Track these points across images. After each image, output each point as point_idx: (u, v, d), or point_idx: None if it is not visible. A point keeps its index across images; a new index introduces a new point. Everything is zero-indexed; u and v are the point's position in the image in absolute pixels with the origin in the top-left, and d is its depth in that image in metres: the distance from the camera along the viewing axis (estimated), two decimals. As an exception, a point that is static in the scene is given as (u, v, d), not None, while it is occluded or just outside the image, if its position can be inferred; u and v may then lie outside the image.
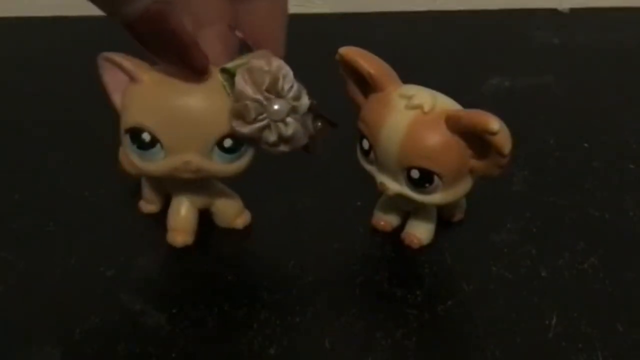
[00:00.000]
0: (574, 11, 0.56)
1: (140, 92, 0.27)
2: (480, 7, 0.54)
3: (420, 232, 0.31)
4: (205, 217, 0.31)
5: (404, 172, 0.27)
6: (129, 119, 0.27)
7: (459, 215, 0.32)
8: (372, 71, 0.27)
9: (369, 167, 0.29)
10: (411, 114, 0.27)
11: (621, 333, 0.26)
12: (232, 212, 0.32)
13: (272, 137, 0.26)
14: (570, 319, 0.27)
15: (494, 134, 0.25)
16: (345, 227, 0.32)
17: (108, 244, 0.31)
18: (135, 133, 0.27)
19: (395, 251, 0.31)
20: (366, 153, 0.28)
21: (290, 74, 0.26)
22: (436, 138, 0.26)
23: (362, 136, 0.28)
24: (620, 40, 0.52)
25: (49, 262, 0.30)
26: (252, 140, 0.27)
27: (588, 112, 0.42)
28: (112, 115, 0.29)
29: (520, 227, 0.32)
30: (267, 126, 0.26)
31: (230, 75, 0.26)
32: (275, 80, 0.26)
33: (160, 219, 0.31)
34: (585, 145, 0.38)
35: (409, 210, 0.31)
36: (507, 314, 0.27)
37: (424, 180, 0.27)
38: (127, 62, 0.27)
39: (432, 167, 0.27)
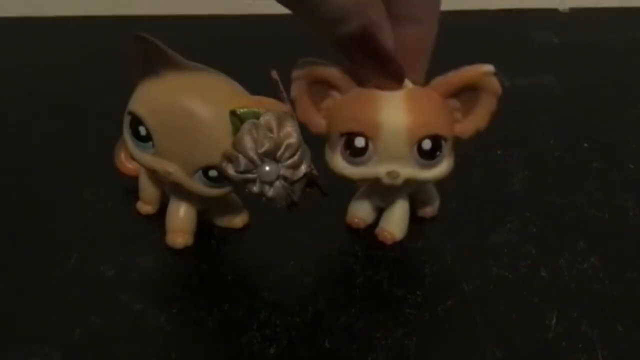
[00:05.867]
0: (574, 11, 0.56)
1: (158, 87, 0.27)
2: (480, 7, 0.54)
3: (393, 227, 0.31)
4: (204, 217, 0.31)
5: (414, 148, 0.27)
6: (136, 105, 0.27)
7: (432, 211, 0.32)
8: (343, 72, 0.28)
9: (359, 170, 0.28)
10: (401, 93, 0.27)
11: (621, 333, 0.26)
12: (231, 211, 0.32)
13: (254, 190, 0.27)
14: (570, 319, 0.27)
15: (492, 74, 0.27)
16: (345, 228, 0.32)
17: (108, 244, 0.31)
18: (134, 121, 0.27)
19: (395, 251, 0.31)
20: (361, 152, 0.28)
21: (296, 144, 0.26)
22: (435, 103, 0.28)
23: (352, 137, 0.28)
24: (620, 40, 0.52)
25: (49, 262, 0.30)
26: (235, 183, 0.27)
27: (588, 112, 0.42)
28: (112, 115, 0.29)
29: (520, 227, 0.32)
30: (253, 180, 0.26)
31: (239, 119, 0.26)
32: (276, 148, 0.26)
33: (160, 219, 0.31)
34: (585, 145, 0.38)
35: (382, 206, 0.31)
36: (507, 314, 0.27)
37: (435, 148, 0.28)
38: (168, 51, 0.27)
39: (440, 131, 0.28)
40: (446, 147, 0.28)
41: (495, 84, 0.27)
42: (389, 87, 0.27)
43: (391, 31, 0.26)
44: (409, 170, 0.28)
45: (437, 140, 0.28)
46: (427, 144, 0.27)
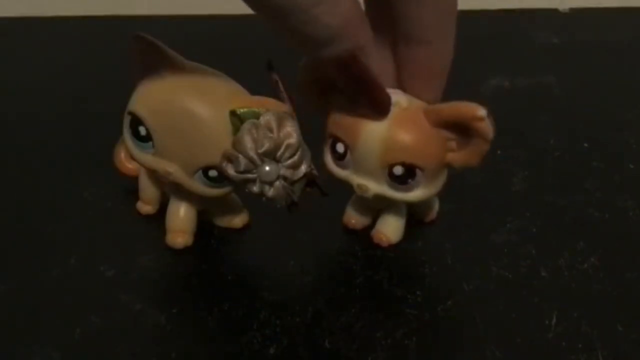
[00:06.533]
0: (574, 11, 0.56)
1: (158, 87, 0.27)
2: (480, 7, 0.54)
3: (389, 230, 0.31)
4: (204, 217, 0.31)
5: (386, 170, 0.27)
6: (136, 105, 0.27)
7: (431, 215, 0.32)
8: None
9: (342, 173, 0.29)
10: (391, 112, 0.27)
11: (621, 333, 0.26)
12: (231, 211, 0.32)
13: (254, 190, 0.27)
14: (570, 319, 0.27)
15: (481, 119, 0.26)
16: (343, 228, 0.32)
17: (108, 244, 0.31)
18: (134, 121, 0.27)
19: (395, 251, 0.31)
20: (340, 157, 0.28)
21: (296, 144, 0.26)
22: (418, 131, 0.27)
23: (336, 140, 0.28)
24: (620, 40, 0.52)
25: (49, 262, 0.30)
26: (235, 183, 0.27)
27: (588, 112, 0.42)
28: (111, 115, 0.29)
29: (520, 227, 0.32)
30: (253, 180, 0.26)
31: (239, 119, 0.26)
32: (276, 148, 0.26)
33: (160, 218, 0.31)
34: (585, 145, 0.38)
35: (380, 208, 0.31)
36: (507, 314, 0.27)
37: (407, 176, 0.27)
38: (168, 51, 0.27)
39: (416, 162, 0.27)
40: (422, 176, 0.27)
41: (485, 129, 0.26)
42: (373, 117, 0.27)
43: (377, 57, 0.25)
44: (379, 187, 0.28)
45: (409, 168, 0.27)
46: (398, 170, 0.27)
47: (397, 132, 0.27)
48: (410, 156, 0.27)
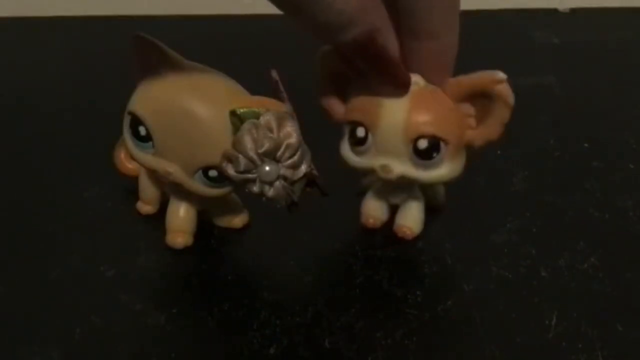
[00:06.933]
0: (574, 11, 0.56)
1: (158, 87, 0.27)
2: (480, 7, 0.54)
3: (411, 222, 0.31)
4: (204, 217, 0.31)
5: (410, 145, 0.27)
6: (136, 105, 0.27)
7: (441, 201, 0.32)
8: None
9: (362, 161, 0.29)
10: (410, 89, 0.27)
11: (621, 333, 0.26)
12: (231, 211, 0.32)
13: (254, 190, 0.27)
14: (570, 319, 0.27)
15: (502, 82, 0.26)
16: (345, 227, 0.32)
17: (108, 244, 0.31)
18: (134, 121, 0.27)
19: (395, 251, 0.31)
20: (360, 142, 0.28)
21: (296, 143, 0.26)
22: (440, 105, 0.27)
23: (355, 126, 0.28)
24: (620, 41, 0.52)
25: (49, 262, 0.30)
26: (235, 183, 0.27)
27: (588, 112, 0.42)
28: (112, 115, 0.29)
29: (520, 227, 0.32)
30: (253, 180, 0.26)
31: (239, 119, 0.26)
32: (276, 148, 0.26)
33: (160, 218, 0.31)
34: (585, 145, 0.38)
35: (397, 203, 0.31)
36: (507, 314, 0.27)
37: (432, 149, 0.27)
38: (168, 51, 0.27)
39: (440, 133, 0.27)
40: (447, 150, 0.28)
41: (505, 92, 0.26)
42: (395, 94, 0.27)
43: (395, 37, 0.26)
44: (403, 167, 0.28)
45: (434, 141, 0.27)
46: (422, 144, 0.27)
47: (420, 106, 0.27)
48: (434, 128, 0.27)
